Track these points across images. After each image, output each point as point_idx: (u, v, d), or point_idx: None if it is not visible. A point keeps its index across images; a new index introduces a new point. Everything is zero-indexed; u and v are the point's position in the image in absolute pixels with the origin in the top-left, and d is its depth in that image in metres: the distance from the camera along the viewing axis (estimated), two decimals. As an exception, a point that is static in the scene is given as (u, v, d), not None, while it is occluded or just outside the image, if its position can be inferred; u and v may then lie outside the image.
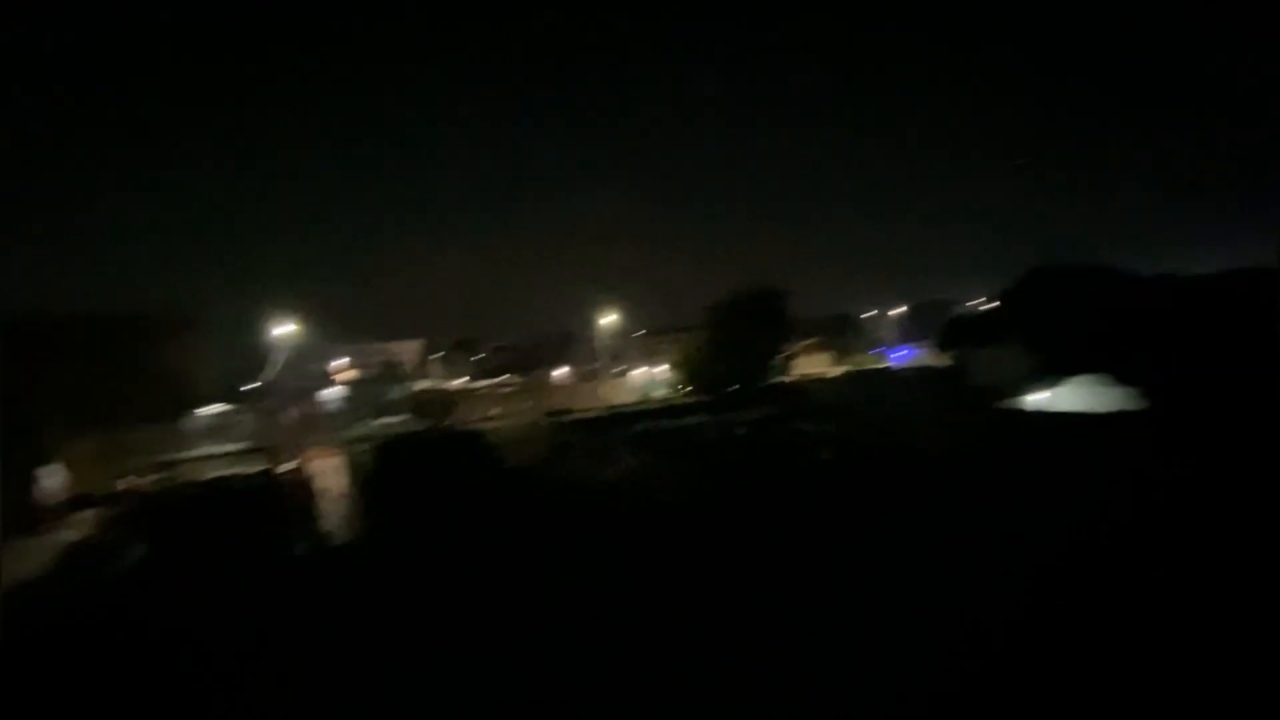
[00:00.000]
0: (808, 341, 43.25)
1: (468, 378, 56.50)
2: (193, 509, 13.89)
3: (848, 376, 32.75)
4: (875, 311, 57.95)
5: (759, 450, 16.23)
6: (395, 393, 44.19)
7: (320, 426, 35.90)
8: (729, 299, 35.82)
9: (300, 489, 18.13)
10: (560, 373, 52.78)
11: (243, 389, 36.31)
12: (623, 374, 46.28)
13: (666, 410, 25.87)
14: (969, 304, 48.06)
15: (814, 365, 43.69)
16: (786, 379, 36.50)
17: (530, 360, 56.71)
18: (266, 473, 16.41)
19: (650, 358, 49.28)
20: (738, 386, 29.93)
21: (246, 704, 7.40)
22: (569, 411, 29.11)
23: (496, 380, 52.39)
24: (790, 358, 39.20)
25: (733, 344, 33.29)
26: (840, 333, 54.77)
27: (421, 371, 58.08)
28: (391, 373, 50.38)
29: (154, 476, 20.02)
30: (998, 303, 32.51)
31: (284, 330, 29.29)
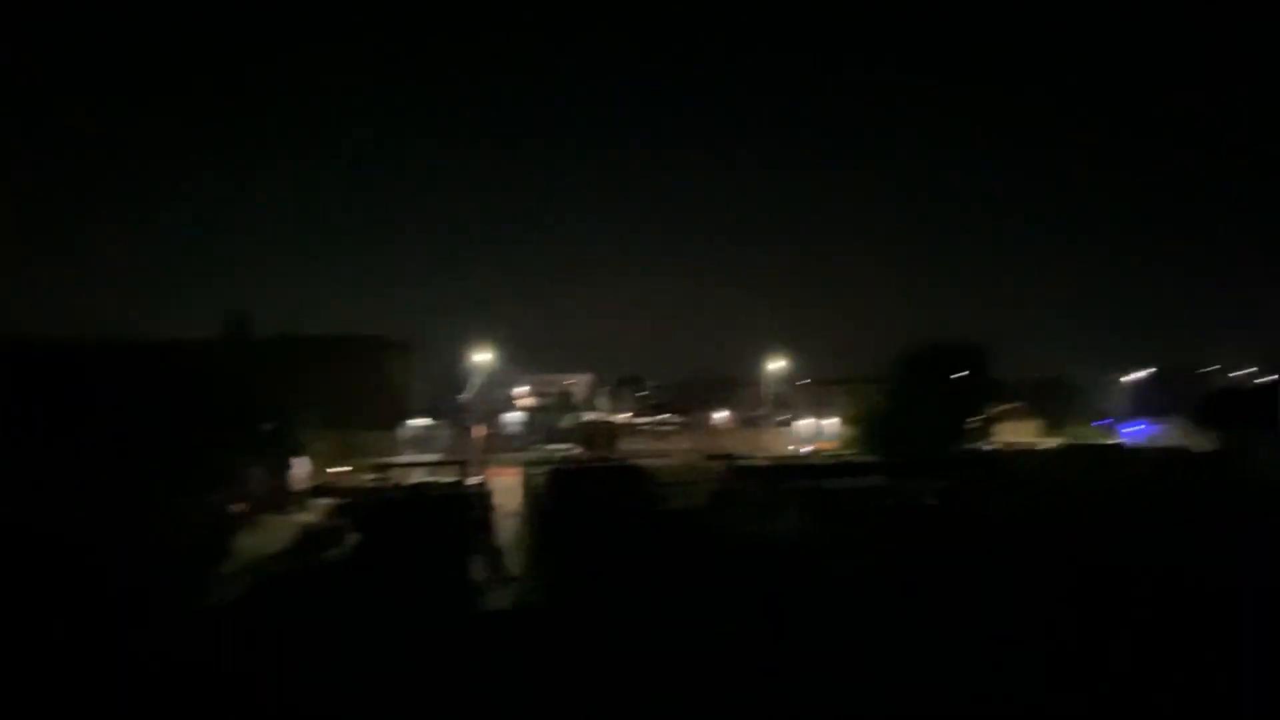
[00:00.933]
0: (1010, 406, 37.76)
1: (631, 413, 58.44)
2: (398, 509, 15.60)
3: (1066, 451, 27.04)
4: (1100, 377, 49.12)
5: (953, 528, 13.96)
6: (566, 421, 47.06)
7: (502, 445, 39.30)
8: (921, 350, 32.31)
9: (484, 503, 19.64)
10: (721, 415, 52.31)
11: (443, 406, 41.15)
12: (787, 423, 44.49)
13: (838, 467, 23.77)
14: (1235, 374, 38.68)
15: (1018, 433, 37.87)
16: (984, 446, 32.09)
17: (692, 401, 57.09)
18: (457, 484, 17.99)
19: (817, 408, 46.87)
20: (923, 449, 26.64)
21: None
22: (730, 456, 28.37)
23: (658, 418, 53.45)
24: (989, 422, 34.57)
25: (921, 401, 29.72)
26: (1051, 398, 46.88)
27: (590, 403, 61.31)
28: (564, 402, 54.04)
29: (370, 476, 23.06)
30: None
31: (480, 357, 32.84)
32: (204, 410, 19.49)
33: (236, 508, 21.85)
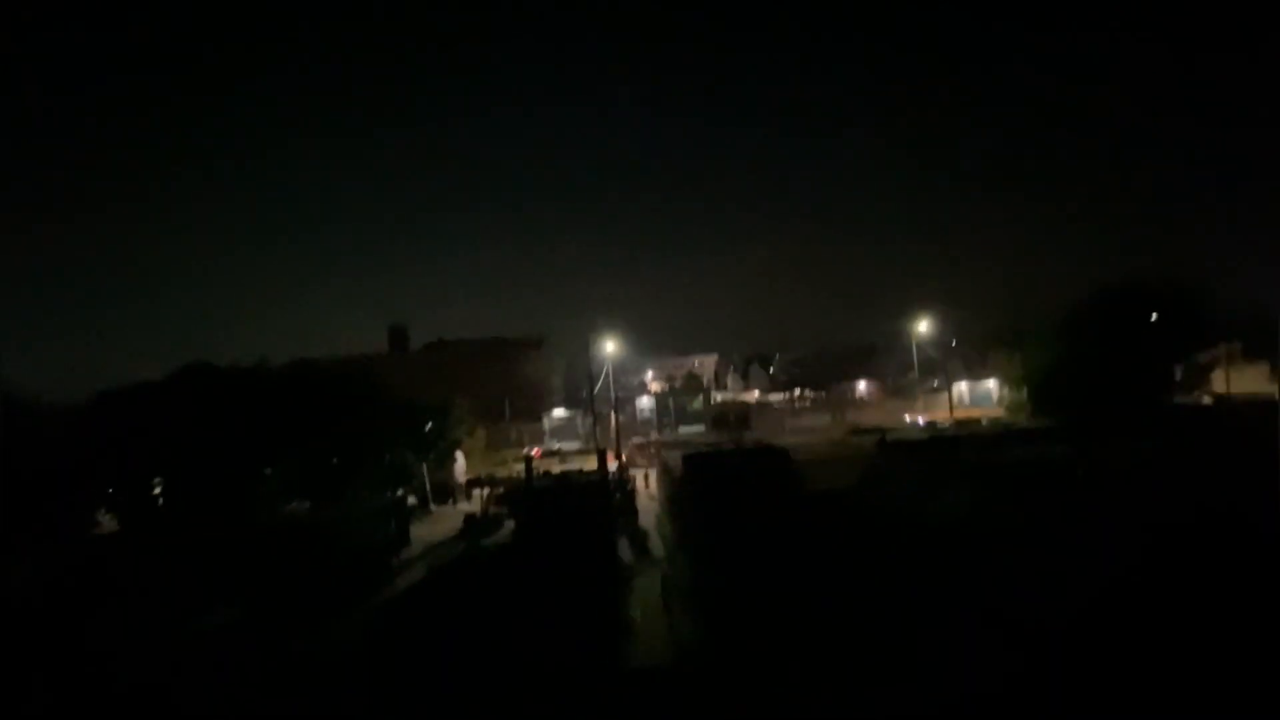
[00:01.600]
0: (1224, 348, 31.16)
1: (762, 390, 57.07)
2: (547, 497, 16.50)
3: None
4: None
5: (1168, 503, 11.59)
6: (697, 404, 47.10)
7: (637, 431, 40.25)
8: (1103, 293, 27.03)
9: (624, 489, 20.26)
10: (863, 386, 49.35)
11: (579, 396, 43.12)
12: (939, 389, 40.80)
13: (1006, 435, 20.84)
14: None
15: (1243, 382, 31.01)
16: (1197, 400, 26.78)
17: (828, 373, 54.44)
18: (598, 471, 18.64)
19: (976, 370, 42.41)
20: (1116, 408, 22.27)
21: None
22: (878, 430, 26.39)
23: (793, 393, 51.67)
24: (1202, 371, 28.56)
25: (1104, 352, 24.80)
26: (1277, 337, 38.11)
27: (720, 383, 60.83)
28: (694, 384, 54.10)
29: (520, 466, 24.71)
30: None
31: (608, 346, 33.77)
32: (378, 416, 22.00)
33: (411, 500, 24.56)
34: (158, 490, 19.17)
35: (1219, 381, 30.07)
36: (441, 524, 22.37)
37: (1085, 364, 24.61)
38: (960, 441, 20.37)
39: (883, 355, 50.30)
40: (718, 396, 53.45)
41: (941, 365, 42.17)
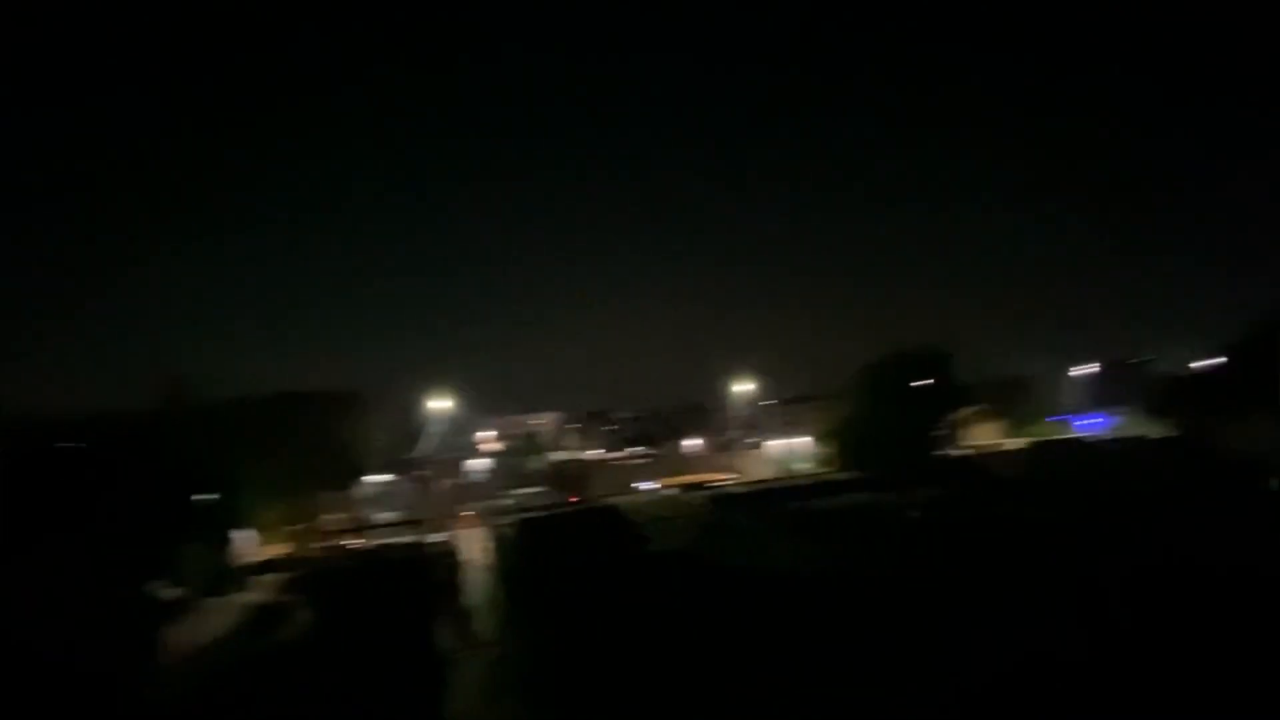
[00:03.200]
0: (973, 409, 38.07)
1: (602, 449, 57.06)
2: (352, 578, 14.25)
3: (1040, 448, 27.21)
4: (1052, 373, 50.31)
5: (951, 539, 13.32)
6: (534, 463, 45.47)
7: (468, 496, 37.47)
8: (884, 361, 32.10)
9: (449, 565, 18.27)
10: (693, 444, 51.45)
11: (401, 460, 39.14)
12: (757, 445, 43.93)
13: (819, 486, 23.08)
14: (1182, 363, 40.21)
15: (985, 435, 38.25)
16: (956, 452, 32.09)
17: (662, 430, 56.16)
18: (419, 545, 16.64)
19: (788, 428, 46.53)
20: (896, 460, 26.19)
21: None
22: (709, 485, 27.53)
23: (629, 451, 52.25)
24: (957, 427, 34.59)
25: (889, 412, 29.38)
26: (1010, 398, 47.59)
27: (558, 442, 59.72)
28: (531, 444, 52.36)
29: (327, 544, 21.35)
30: (1223, 359, 26.86)
31: (437, 405, 31.34)
32: (135, 488, 17.78)
33: (171, 594, 19.84)
34: None
35: (971, 436, 36.55)
36: (216, 620, 18.26)
37: (869, 421, 28.79)
38: (780, 493, 22.09)
39: (710, 413, 53.31)
40: (557, 456, 52.29)
41: (762, 423, 45.71)
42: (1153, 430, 28.24)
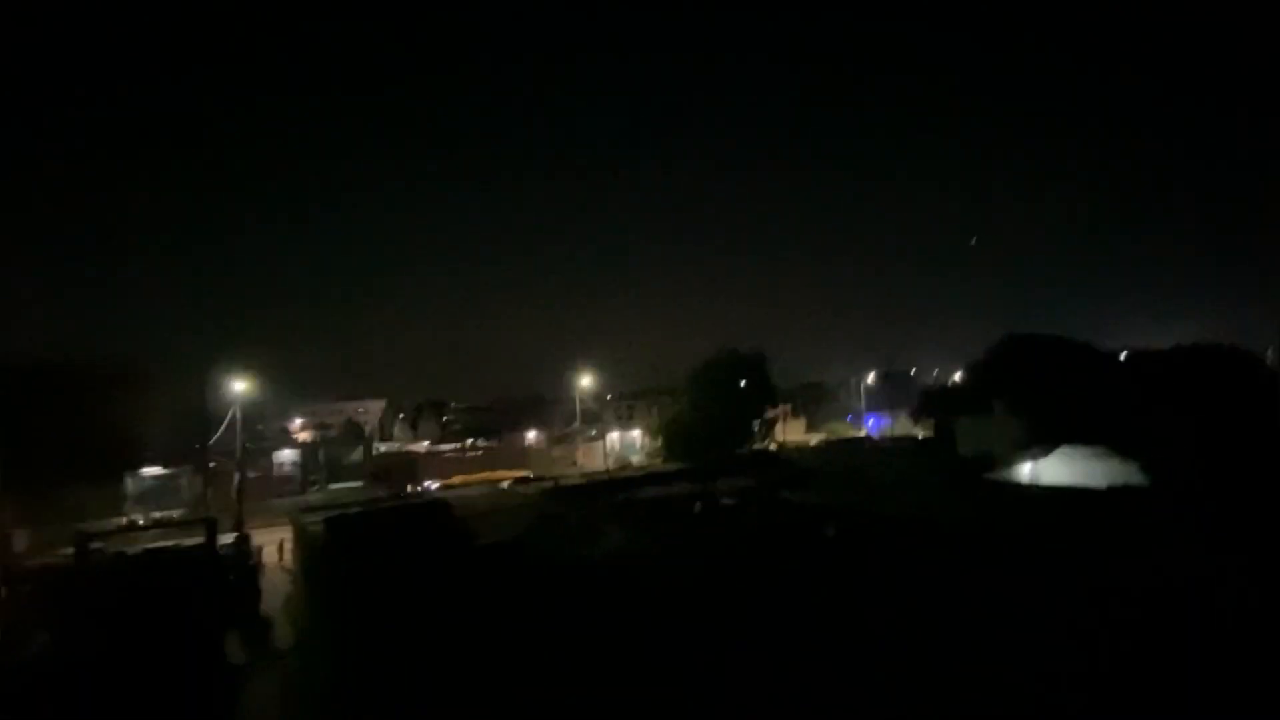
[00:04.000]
0: (781, 408, 43.05)
1: (433, 441, 54.55)
2: (110, 588, 12.27)
3: (829, 445, 32.48)
4: (845, 380, 58.83)
5: (752, 523, 15.41)
6: (355, 455, 42.16)
7: (272, 491, 33.68)
8: (710, 362, 35.00)
9: (243, 569, 16.43)
10: (530, 436, 51.34)
11: (191, 449, 33.91)
12: (596, 438, 45.07)
13: (648, 478, 24.63)
14: (936, 373, 49.62)
15: (790, 433, 43.49)
16: (768, 446, 35.88)
17: (499, 423, 55.21)
18: (204, 546, 14.73)
19: (624, 421, 48.40)
20: (717, 453, 29.06)
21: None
22: (542, 478, 27.77)
23: (464, 444, 50.65)
24: (770, 424, 38.65)
25: (713, 409, 32.37)
26: (811, 400, 55.41)
27: (385, 434, 55.93)
28: (353, 434, 48.32)
29: (72, 548, 18.00)
30: (968, 373, 33.21)
31: (236, 387, 27.52)
32: None
33: None
34: None
35: (779, 432, 41.41)
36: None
37: (695, 417, 31.77)
38: (611, 484, 23.19)
39: (549, 407, 53.57)
40: (381, 447, 49.02)
41: (600, 416, 47.01)
42: (915, 431, 34.63)
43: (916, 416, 34.93)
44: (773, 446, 37.16)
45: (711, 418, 32.07)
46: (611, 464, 40.59)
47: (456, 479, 34.60)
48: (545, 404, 55.65)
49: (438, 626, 9.98)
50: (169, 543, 18.14)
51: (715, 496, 19.03)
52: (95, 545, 15.10)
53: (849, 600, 9.83)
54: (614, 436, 47.50)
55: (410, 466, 39.30)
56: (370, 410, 56.50)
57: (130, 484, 31.90)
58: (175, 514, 26.51)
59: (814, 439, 42.45)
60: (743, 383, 34.36)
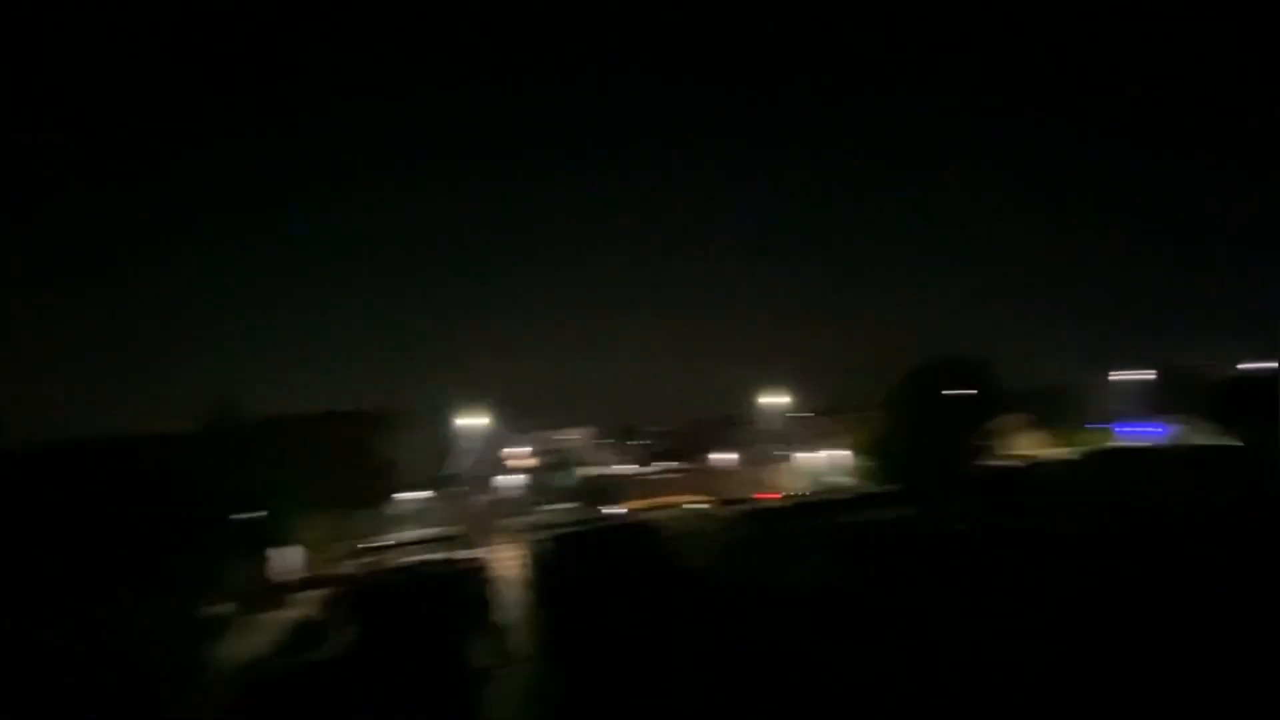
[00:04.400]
0: (1013, 417, 36.87)
1: (633, 464, 56.91)
2: (390, 595, 14.33)
3: (1093, 457, 25.45)
4: (1095, 380, 48.53)
5: (995, 552, 12.83)
6: (568, 479, 45.55)
7: (502, 512, 37.67)
8: (919, 369, 31.59)
9: (483, 581, 18.22)
10: (724, 458, 50.89)
11: (436, 477, 39.67)
12: (789, 458, 43.17)
13: (855, 501, 22.46)
14: (1239, 366, 38.19)
15: (1028, 445, 36.97)
16: (998, 462, 31.01)
17: (693, 445, 55.76)
18: (454, 561, 16.69)
19: (821, 440, 45.61)
20: (936, 472, 25.55)
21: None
22: (742, 500, 27.08)
23: (661, 466, 51.98)
24: (996, 437, 33.51)
25: (927, 422, 28.80)
26: (1053, 405, 45.97)
27: (591, 458, 59.73)
28: (563, 460, 52.59)
29: (364, 560, 21.59)
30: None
31: (469, 422, 31.81)
32: (183, 506, 18.34)
33: (219, 609, 20.31)
34: None
35: (1014, 445, 35.18)
36: (261, 635, 18.59)
37: (908, 433, 28.10)
38: (815, 507, 21.48)
39: (741, 428, 52.72)
40: (590, 471, 52.29)
41: (798, 436, 44.94)
42: (1215, 438, 26.74)
43: (1220, 421, 27.00)
44: (1012, 461, 31.84)
45: (927, 432, 28.53)
46: (810, 485, 38.34)
47: (641, 502, 35.33)
48: (736, 425, 54.95)
49: (650, 644, 9.96)
50: (426, 557, 20.95)
51: (939, 522, 16.54)
52: (377, 560, 17.81)
53: (1148, 688, 7.10)
54: (811, 457, 45.07)
55: (615, 489, 41.25)
56: (577, 438, 60.85)
57: (395, 506, 37.97)
58: (430, 532, 30.76)
59: (1064, 449, 35.35)
60: (962, 391, 30.24)
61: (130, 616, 15.76)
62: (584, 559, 13.71)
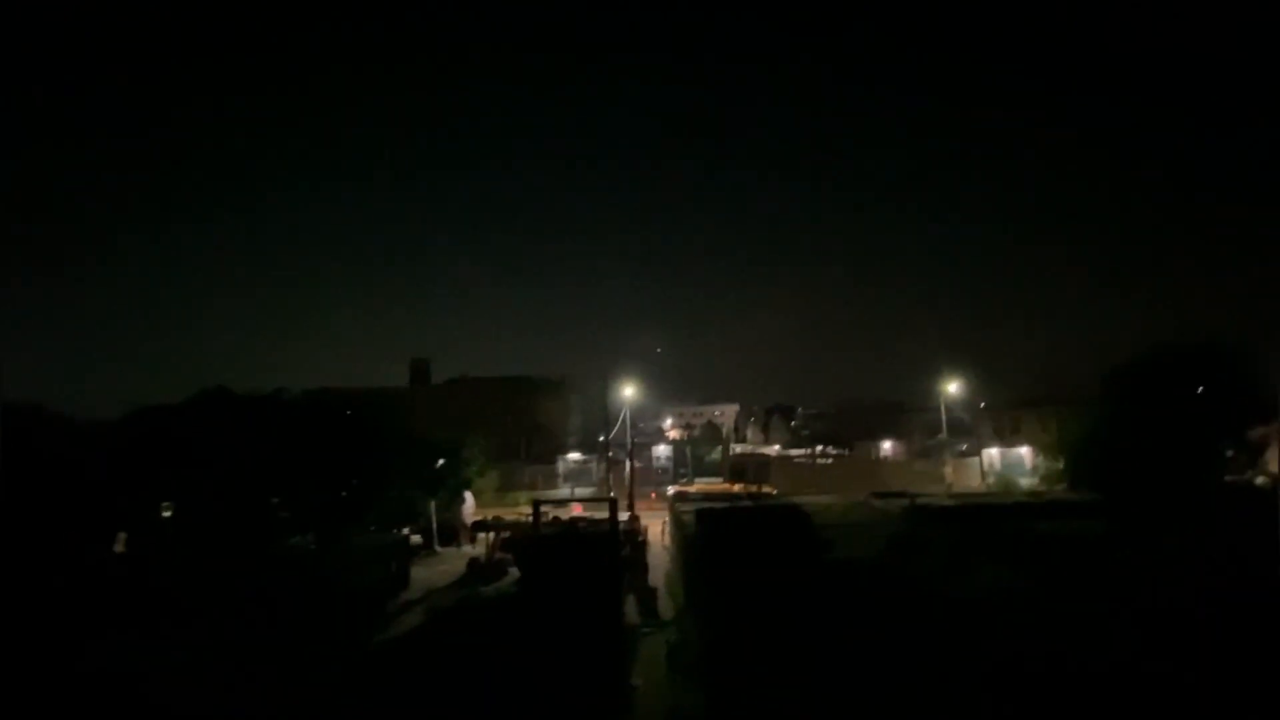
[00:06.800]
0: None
1: (782, 444, 55.74)
2: (555, 547, 15.78)
3: None
4: None
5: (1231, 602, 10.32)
6: (714, 454, 46.06)
7: (652, 479, 39.29)
8: (1138, 361, 24.33)
9: (634, 544, 19.35)
10: (885, 447, 47.84)
11: (594, 441, 42.49)
12: (967, 454, 39.25)
13: (1046, 508, 19.51)
14: None
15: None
16: (1254, 482, 24.39)
17: (850, 430, 53.06)
18: (609, 521, 17.90)
19: (1006, 436, 40.84)
20: (1160, 485, 20.12)
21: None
22: (903, 494, 25.16)
23: (814, 449, 50.32)
24: (1255, 450, 25.84)
25: (1151, 424, 22.11)
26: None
27: (739, 435, 59.71)
28: (711, 434, 53.17)
29: (529, 511, 23.92)
30: None
31: (626, 391, 33.47)
32: (392, 450, 21.60)
33: (416, 539, 23.83)
34: (168, 513, 18.94)
35: (1274, 462, 27.79)
36: (444, 566, 21.61)
37: (1126, 434, 22.35)
38: (989, 511, 19.23)
39: (909, 414, 48.90)
40: (736, 448, 52.32)
41: (974, 429, 40.70)
42: None
43: None
44: (1261, 480, 25.15)
45: (1147, 436, 21.92)
46: (988, 485, 34.67)
47: (787, 483, 34.06)
48: (903, 412, 51.20)
49: (792, 628, 9.91)
50: (583, 514, 22.69)
51: (1157, 546, 13.94)
52: (541, 511, 19.68)
53: None
54: (992, 453, 40.61)
55: (760, 468, 40.85)
56: (726, 413, 61.15)
57: (559, 465, 41.34)
58: (587, 492, 33.12)
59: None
60: (1201, 389, 23.33)
61: (349, 543, 19.26)
62: (734, 537, 13.95)
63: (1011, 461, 38.71)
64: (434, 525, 24.60)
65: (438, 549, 24.03)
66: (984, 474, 35.18)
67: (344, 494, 20.33)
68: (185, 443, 17.92)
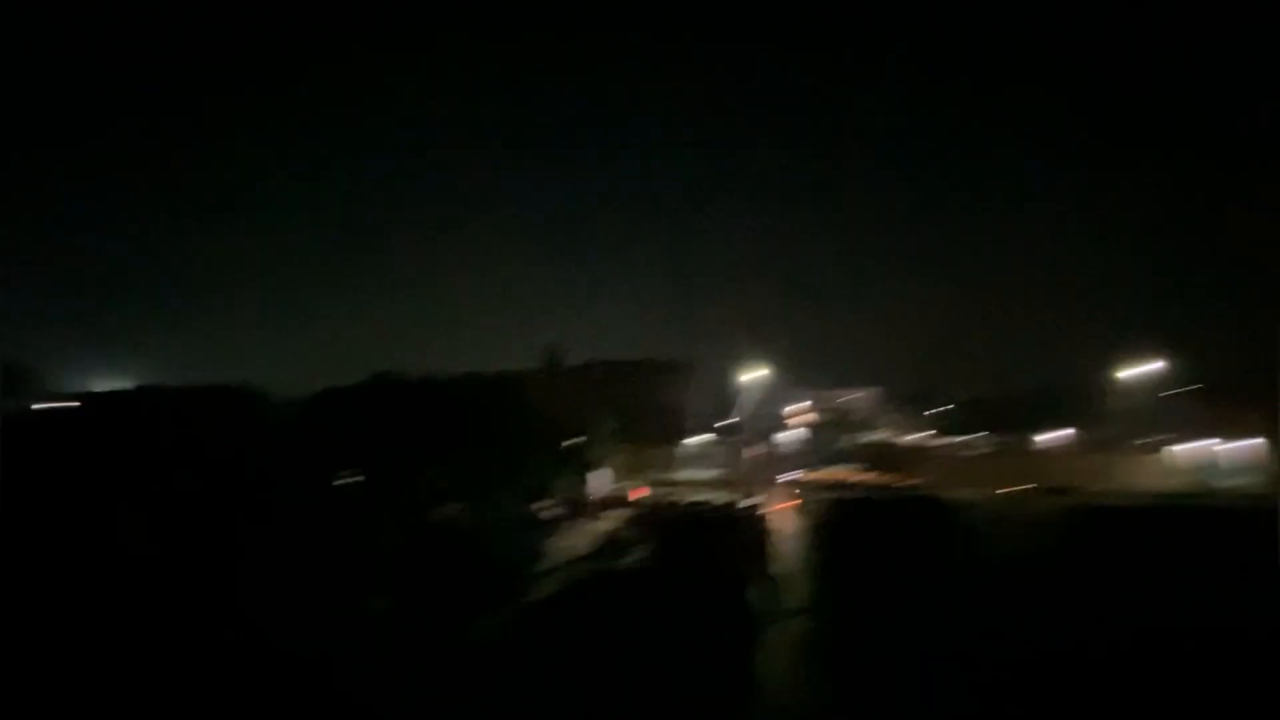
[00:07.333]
0: None
1: (923, 432, 51.72)
2: (681, 527, 16.03)
3: None
4: None
5: None
6: (846, 441, 43.91)
7: (777, 466, 38.39)
8: None
9: (760, 529, 19.06)
10: (1052, 437, 42.55)
11: (719, 424, 42.32)
12: (1157, 447, 33.65)
13: (1253, 514, 16.47)
14: None
15: None
16: None
17: (1004, 418, 47.90)
18: (732, 505, 17.82)
19: (1210, 426, 34.38)
20: None
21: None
22: (1077, 490, 22.26)
23: (962, 439, 46.15)
24: None
25: None
26: None
27: (874, 421, 56.24)
28: (844, 420, 50.53)
29: (654, 491, 24.52)
30: None
31: (752, 374, 32.85)
32: (531, 429, 23.17)
33: (551, 513, 25.41)
34: (338, 482, 21.79)
35: None
36: (575, 539, 22.81)
37: None
38: (1190, 514, 16.32)
39: (1076, 402, 43.11)
40: (872, 435, 49.54)
41: (1156, 419, 34.97)
42: None
43: None
44: None
45: None
46: (1188, 486, 29.62)
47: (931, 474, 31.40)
48: (1070, 398, 45.26)
49: (938, 625, 9.23)
50: (708, 496, 22.79)
51: None
52: (667, 492, 20.05)
53: None
54: (1192, 448, 34.49)
55: (895, 457, 38.33)
56: (861, 399, 57.81)
57: (684, 448, 41.79)
58: (711, 475, 33.19)
59: None
60: None
61: (493, 514, 20.96)
62: (868, 528, 13.26)
63: (1226, 457, 32.44)
64: (570, 499, 26.06)
65: (569, 524, 25.47)
66: (1186, 472, 29.97)
67: (489, 468, 22.16)
68: (361, 419, 20.51)
